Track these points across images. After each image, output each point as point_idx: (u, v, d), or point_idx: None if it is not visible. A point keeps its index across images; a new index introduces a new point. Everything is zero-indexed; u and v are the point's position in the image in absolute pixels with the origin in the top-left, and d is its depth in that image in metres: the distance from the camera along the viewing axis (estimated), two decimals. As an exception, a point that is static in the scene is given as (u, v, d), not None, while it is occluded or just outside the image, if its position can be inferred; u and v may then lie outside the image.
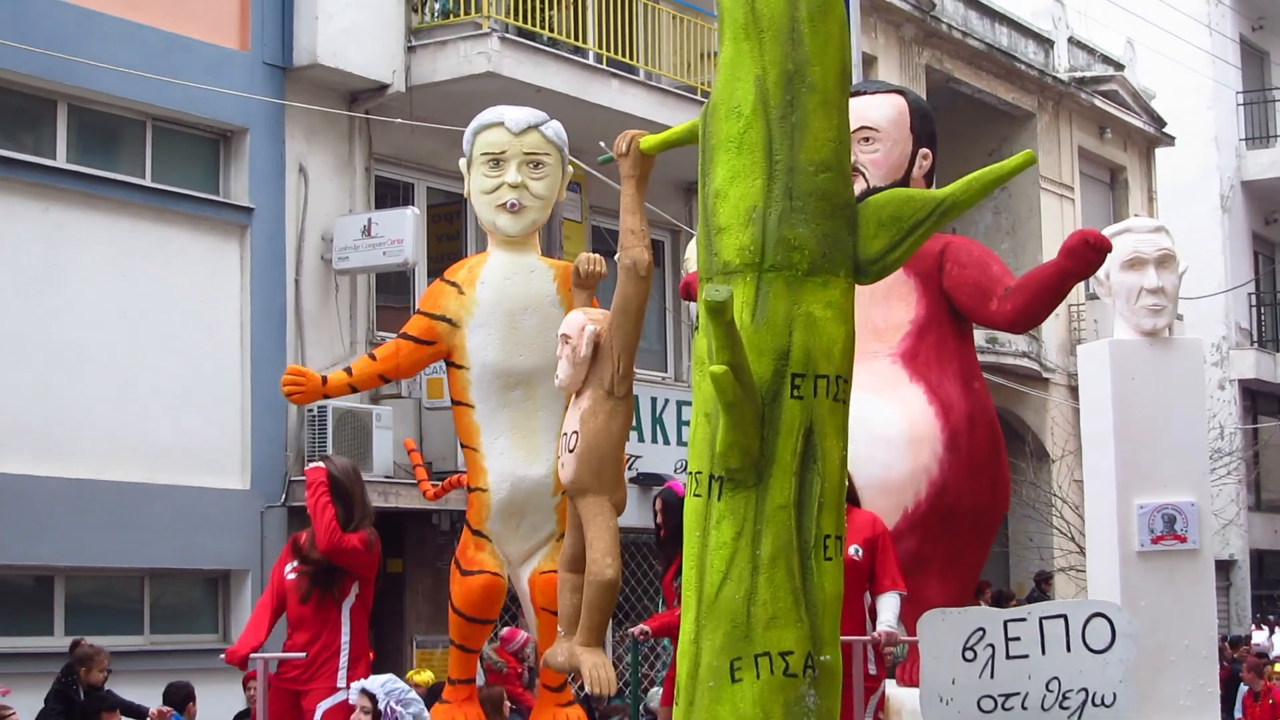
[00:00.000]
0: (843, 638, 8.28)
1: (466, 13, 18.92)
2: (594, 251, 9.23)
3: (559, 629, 8.35)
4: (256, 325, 17.83)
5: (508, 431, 10.19)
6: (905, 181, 9.65)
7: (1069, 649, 7.63)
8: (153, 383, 16.88)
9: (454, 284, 10.43)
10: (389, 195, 19.48)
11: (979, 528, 9.61)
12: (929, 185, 9.92)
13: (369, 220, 18.46)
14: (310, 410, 17.05)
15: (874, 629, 8.45)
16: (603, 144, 7.66)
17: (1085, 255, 8.71)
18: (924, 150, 9.53)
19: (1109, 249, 8.70)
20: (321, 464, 9.73)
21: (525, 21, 19.48)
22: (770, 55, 6.31)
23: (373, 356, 10.68)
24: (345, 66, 18.51)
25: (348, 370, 10.64)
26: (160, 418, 16.94)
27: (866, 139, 9.47)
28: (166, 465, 17.09)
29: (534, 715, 10.25)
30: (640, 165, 7.24)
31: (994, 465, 9.84)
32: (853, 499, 8.57)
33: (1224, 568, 34.00)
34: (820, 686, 6.23)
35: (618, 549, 8.02)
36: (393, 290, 19.35)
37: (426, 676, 13.95)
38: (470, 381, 10.36)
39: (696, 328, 6.32)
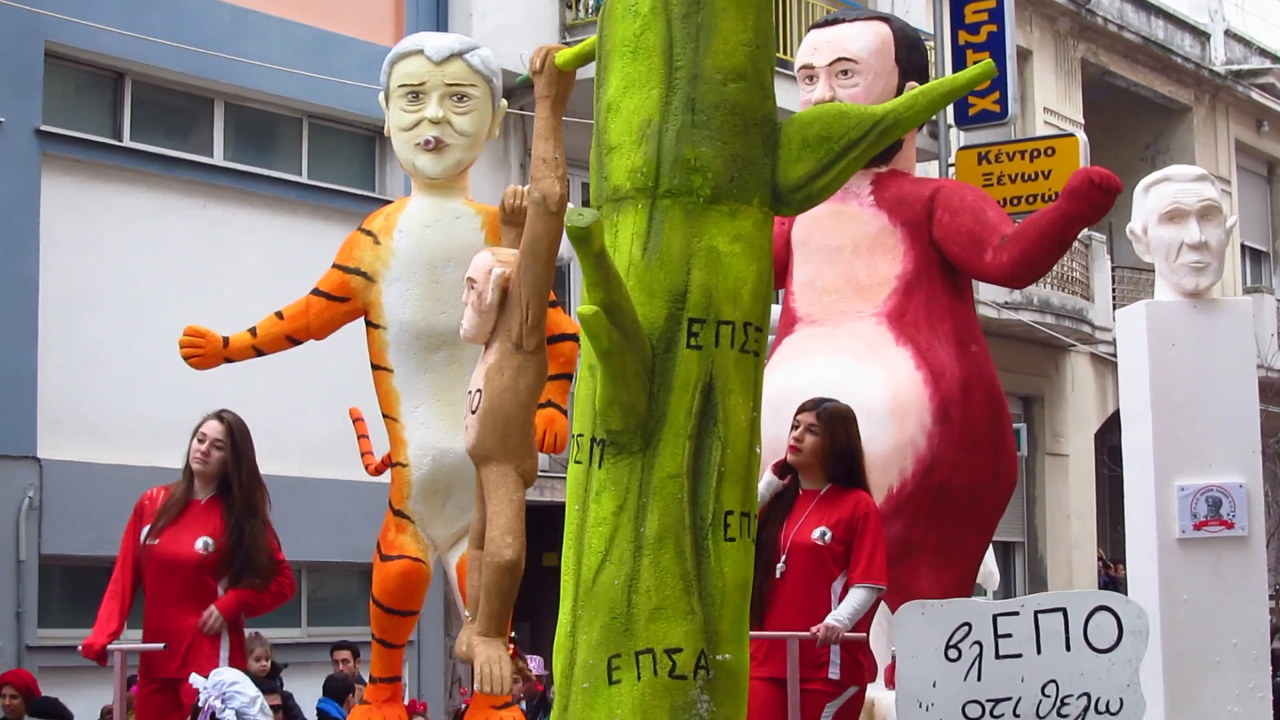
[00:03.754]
0: (778, 633, 6.61)
1: (619, 8, 17.32)
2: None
3: (464, 614, 6.71)
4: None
5: (429, 399, 8.82)
6: None
7: (1068, 647, 6.35)
8: (309, 377, 16.22)
9: (369, 233, 9.11)
10: (543, 191, 18.02)
11: (978, 510, 8.18)
12: (919, 125, 8.04)
13: (524, 216, 16.50)
14: None
15: None
16: (521, 55, 5.97)
17: (1090, 196, 7.31)
18: (911, 84, 8.04)
19: (1118, 189, 7.33)
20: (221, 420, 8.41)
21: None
22: (673, -59, 5.11)
23: (280, 315, 9.26)
24: (499, 63, 17.07)
25: (252, 331, 9.29)
26: (317, 412, 16.40)
27: (845, 72, 8.04)
28: (323, 459, 16.51)
29: (467, 717, 8.81)
30: (557, 84, 6.16)
31: (994, 439, 8.42)
32: (852, 478, 7.37)
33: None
34: (716, 691, 4.99)
35: (521, 526, 6.68)
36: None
37: None
38: (388, 343, 8.97)
39: None
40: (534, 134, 6.23)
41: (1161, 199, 8.51)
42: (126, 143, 16.34)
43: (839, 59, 8.37)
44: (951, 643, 6.30)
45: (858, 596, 7.07)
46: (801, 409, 7.26)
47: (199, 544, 8.14)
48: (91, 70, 16.40)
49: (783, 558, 7.14)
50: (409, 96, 8.91)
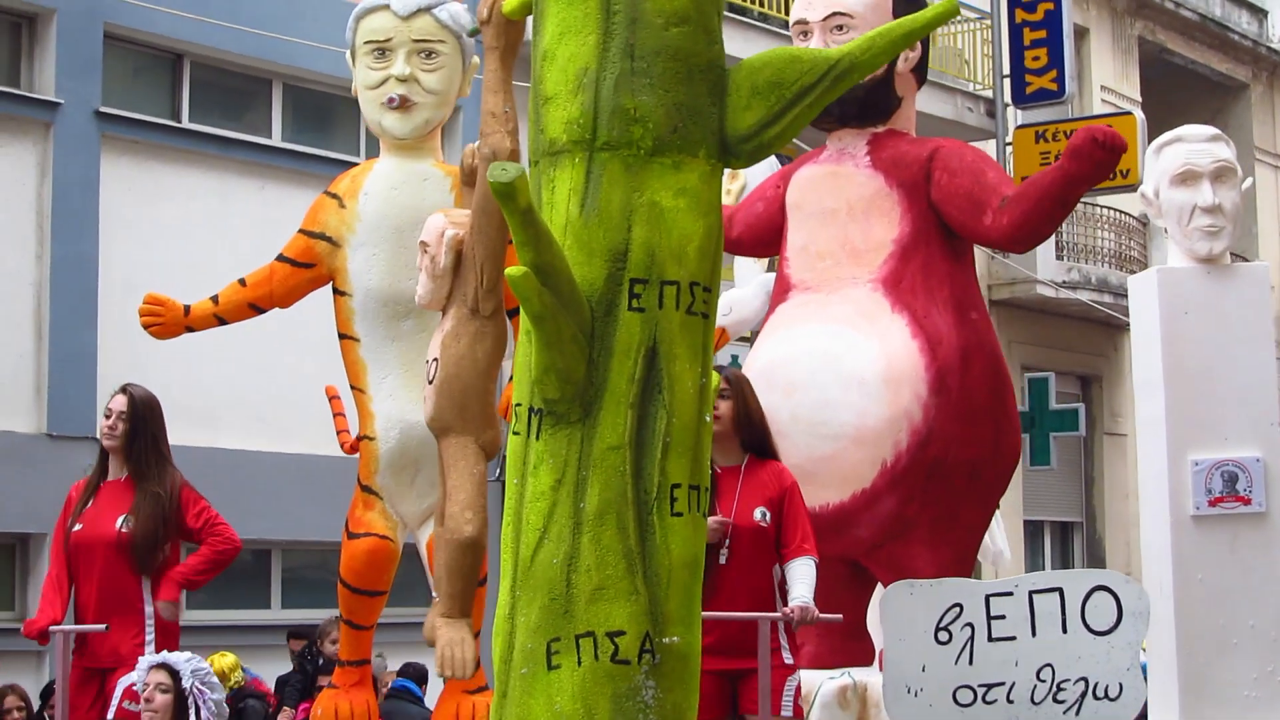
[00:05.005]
0: (746, 614, 6.10)
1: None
2: None
3: (433, 593, 6.21)
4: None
5: (398, 369, 8.30)
6: (889, 76, 7.89)
7: (1065, 630, 5.97)
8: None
9: (334, 196, 8.64)
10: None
11: (977, 485, 7.75)
12: (918, 81, 7.54)
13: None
14: None
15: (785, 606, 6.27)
16: (464, 6, 5.50)
17: (1093, 155, 6.88)
18: None
19: (1123, 148, 6.82)
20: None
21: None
22: None
23: (243, 282, 8.84)
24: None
25: (214, 299, 8.85)
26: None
27: (840, 27, 7.63)
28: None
29: (439, 703, 8.34)
30: (506, 34, 5.89)
31: (996, 411, 7.85)
32: (765, 449, 6.92)
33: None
34: (663, 676, 4.54)
35: (482, 501, 6.37)
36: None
37: (229, 661, 12.43)
38: (354, 311, 8.45)
39: None
40: (483, 86, 5.75)
41: (1173, 160, 8.00)
42: (185, 124, 16.38)
43: (834, 13, 7.90)
44: (942, 625, 5.94)
45: (807, 571, 6.62)
46: None
47: (119, 522, 7.92)
48: (150, 52, 16.40)
49: (726, 542, 6.65)
50: (375, 54, 8.45)
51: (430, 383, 6.63)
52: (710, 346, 4.73)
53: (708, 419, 4.70)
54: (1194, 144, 8.04)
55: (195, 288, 15.30)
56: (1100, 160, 7.00)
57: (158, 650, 7.65)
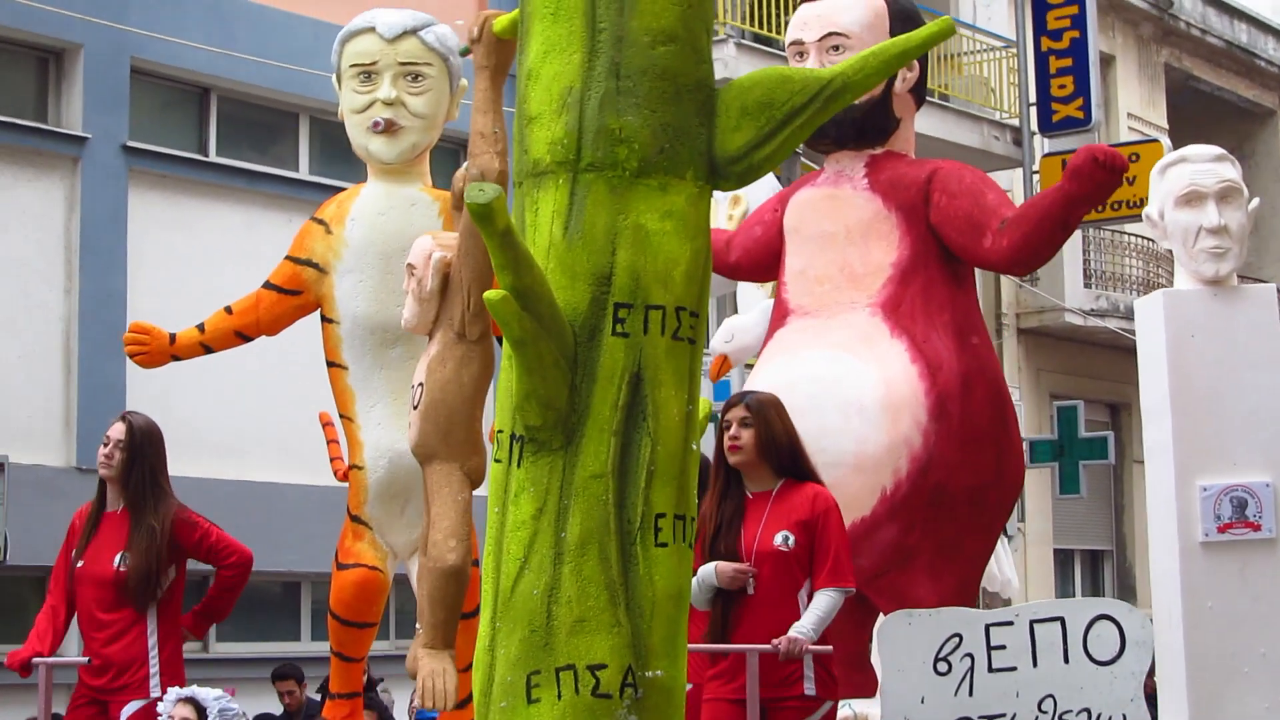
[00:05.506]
0: (732, 647, 5.88)
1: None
2: None
3: (417, 624, 6.02)
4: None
5: (386, 397, 8.13)
6: (886, 97, 7.58)
7: (1067, 659, 5.79)
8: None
9: (321, 222, 8.48)
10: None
11: (980, 512, 7.53)
12: (917, 102, 7.32)
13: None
14: None
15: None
16: (459, 23, 5.32)
17: (1094, 175, 6.62)
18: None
19: (1124, 168, 6.49)
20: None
21: (761, 27, 18.70)
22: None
23: (229, 310, 8.70)
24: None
25: (200, 327, 8.68)
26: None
27: (836, 48, 7.49)
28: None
29: None
30: (496, 53, 5.77)
31: (998, 436, 7.67)
32: (803, 471, 6.61)
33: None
34: (645, 711, 4.36)
35: (466, 529, 6.08)
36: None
37: None
38: (341, 338, 8.29)
39: None
40: (472, 107, 5.58)
41: (1178, 181, 7.75)
42: (212, 158, 16.49)
43: (829, 34, 7.73)
44: (941, 655, 5.79)
45: (823, 603, 6.35)
46: (727, 406, 6.62)
47: (117, 559, 7.68)
48: (177, 86, 16.54)
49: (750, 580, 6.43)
50: (361, 77, 8.27)
51: (415, 408, 6.47)
52: (698, 373, 4.57)
53: (695, 447, 4.55)
54: (1199, 164, 7.75)
55: (224, 320, 15.43)
56: (1101, 180, 6.81)
57: (163, 684, 7.48)
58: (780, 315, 7.76)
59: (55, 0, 14.74)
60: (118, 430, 7.75)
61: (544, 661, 4.32)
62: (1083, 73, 21.63)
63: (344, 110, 8.40)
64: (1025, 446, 23.30)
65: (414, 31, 8.15)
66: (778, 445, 6.52)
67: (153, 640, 7.60)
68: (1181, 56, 27.87)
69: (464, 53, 6.00)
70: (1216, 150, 7.92)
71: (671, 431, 4.44)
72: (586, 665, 4.29)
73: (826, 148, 7.70)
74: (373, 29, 8.18)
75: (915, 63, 7.55)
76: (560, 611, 4.31)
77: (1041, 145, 22.37)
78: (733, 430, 6.50)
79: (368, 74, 8.19)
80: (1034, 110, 22.02)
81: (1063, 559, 24.87)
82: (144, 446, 7.69)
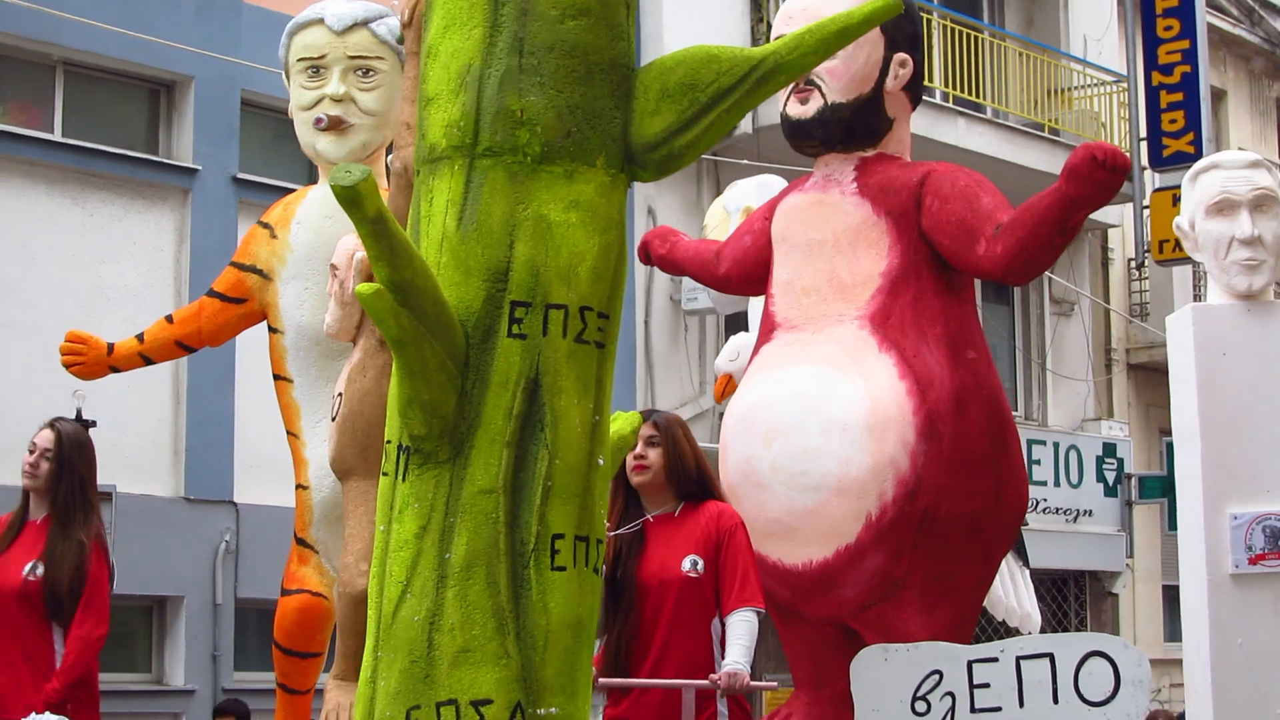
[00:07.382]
0: (667, 681, 5.23)
1: (810, 54, 16.35)
2: None
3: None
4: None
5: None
6: (877, 95, 6.84)
7: (1056, 700, 5.08)
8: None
9: (266, 226, 7.92)
10: (735, 236, 17.11)
11: (976, 542, 6.79)
12: (912, 101, 6.56)
13: (718, 261, 15.47)
14: None
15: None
16: (395, 1, 4.74)
17: (1094, 175, 6.04)
18: (901, 56, 6.65)
19: (1125, 168, 5.92)
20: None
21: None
22: None
23: (170, 319, 8.05)
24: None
25: (139, 337, 8.04)
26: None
27: None
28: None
29: None
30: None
31: (996, 459, 6.83)
32: (705, 492, 6.10)
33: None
34: None
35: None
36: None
37: None
38: (286, 349, 7.65)
39: None
40: (400, 95, 4.98)
41: (1209, 189, 7.01)
42: None
43: None
44: (919, 694, 5.16)
45: (744, 629, 5.79)
46: None
47: (25, 569, 7.07)
48: (287, 118, 15.74)
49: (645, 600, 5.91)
50: (309, 71, 7.64)
51: (333, 419, 5.81)
52: (607, 380, 4.02)
53: (600, 461, 4.00)
54: (1231, 170, 6.98)
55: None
56: (1101, 180, 6.08)
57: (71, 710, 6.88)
58: (767, 330, 7.03)
59: (167, 33, 14.54)
60: (45, 438, 7.25)
61: (424, 695, 3.84)
62: (1194, 107, 20.97)
63: (291, 108, 7.82)
64: (1134, 483, 22.51)
65: (365, 24, 7.50)
66: (685, 467, 6.05)
67: (59, 661, 7.08)
68: (1293, 91, 27.82)
69: (400, 40, 5.44)
70: (1251, 156, 7.20)
71: (572, 444, 3.94)
72: (470, 700, 3.80)
73: (814, 150, 6.95)
74: (321, 21, 7.54)
75: (909, 59, 6.81)
76: (443, 640, 3.83)
77: (1152, 180, 21.68)
78: (639, 449, 5.97)
79: (316, 68, 7.56)
80: (1144, 145, 21.43)
81: (1171, 595, 23.84)
82: (74, 457, 7.16)
